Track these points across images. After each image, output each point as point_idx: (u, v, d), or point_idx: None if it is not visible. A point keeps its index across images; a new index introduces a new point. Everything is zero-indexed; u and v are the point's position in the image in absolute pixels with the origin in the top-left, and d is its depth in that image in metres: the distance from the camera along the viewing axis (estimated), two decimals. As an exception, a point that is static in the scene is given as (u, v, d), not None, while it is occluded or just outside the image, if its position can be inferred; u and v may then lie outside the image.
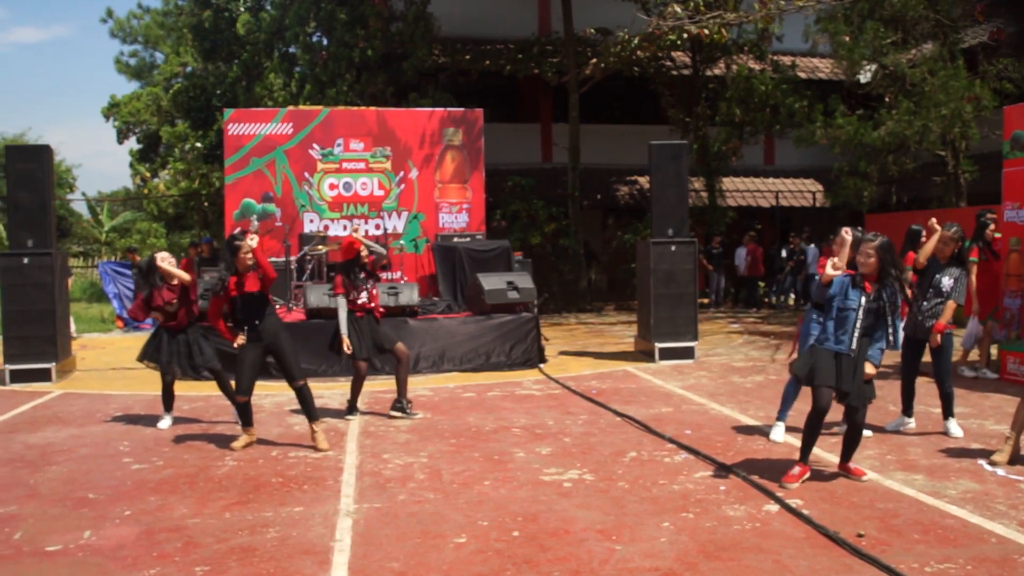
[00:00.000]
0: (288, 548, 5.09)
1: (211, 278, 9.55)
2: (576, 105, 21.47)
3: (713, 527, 5.29)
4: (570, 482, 6.33)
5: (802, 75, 23.39)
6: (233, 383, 7.80)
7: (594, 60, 20.11)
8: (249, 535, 5.32)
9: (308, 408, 7.59)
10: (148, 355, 8.47)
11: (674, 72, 23.62)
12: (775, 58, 23.21)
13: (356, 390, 8.91)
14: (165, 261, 8.21)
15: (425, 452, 7.36)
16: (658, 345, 12.30)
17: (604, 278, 24.41)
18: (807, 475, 6.16)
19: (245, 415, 7.66)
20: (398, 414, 8.82)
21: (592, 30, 22.75)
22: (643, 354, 12.74)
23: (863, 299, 6.00)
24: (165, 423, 8.57)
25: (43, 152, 11.90)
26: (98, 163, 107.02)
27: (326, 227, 15.85)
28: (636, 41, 18.66)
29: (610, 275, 24.29)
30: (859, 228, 7.00)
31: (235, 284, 7.41)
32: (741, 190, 25.42)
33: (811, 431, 6.17)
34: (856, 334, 6.01)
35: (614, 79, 22.19)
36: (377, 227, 16.01)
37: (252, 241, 7.34)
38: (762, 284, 22.26)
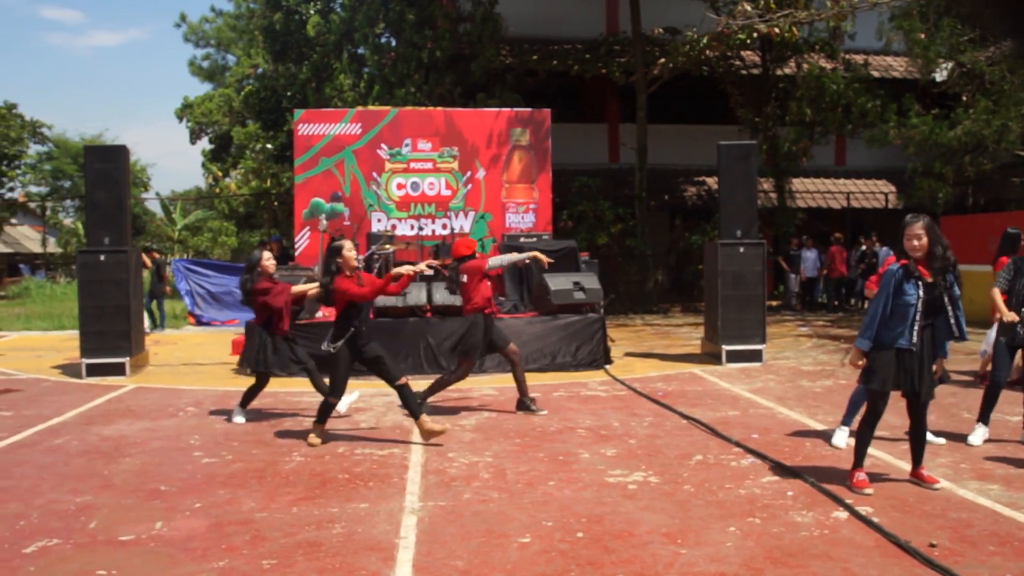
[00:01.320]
0: (353, 544, 5.14)
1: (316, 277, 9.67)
2: (644, 105, 21.35)
3: (780, 533, 5.22)
4: (635, 484, 6.30)
5: (875, 74, 22.99)
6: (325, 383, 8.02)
7: (662, 60, 20.01)
8: (315, 530, 5.38)
9: (411, 405, 7.57)
10: (260, 362, 8.60)
11: (743, 71, 23.39)
12: (847, 56, 22.84)
13: (444, 386, 8.99)
14: (351, 251, 7.82)
15: (490, 451, 7.37)
16: (725, 347, 12.17)
17: (670, 279, 24.23)
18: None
19: (327, 414, 7.72)
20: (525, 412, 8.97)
21: (660, 29, 22.61)
22: (710, 356, 12.62)
23: (920, 290, 5.74)
24: (241, 419, 8.67)
25: (120, 152, 12.16)
26: (171, 163, 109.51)
27: (393, 227, 15.97)
28: (705, 40, 18.52)
29: (676, 276, 24.12)
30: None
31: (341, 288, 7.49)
32: (811, 191, 25.06)
33: (864, 433, 6.04)
34: (916, 327, 5.77)
35: (682, 78, 22.03)
36: (444, 227, 16.10)
37: (350, 250, 7.49)
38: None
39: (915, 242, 5.76)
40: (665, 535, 5.20)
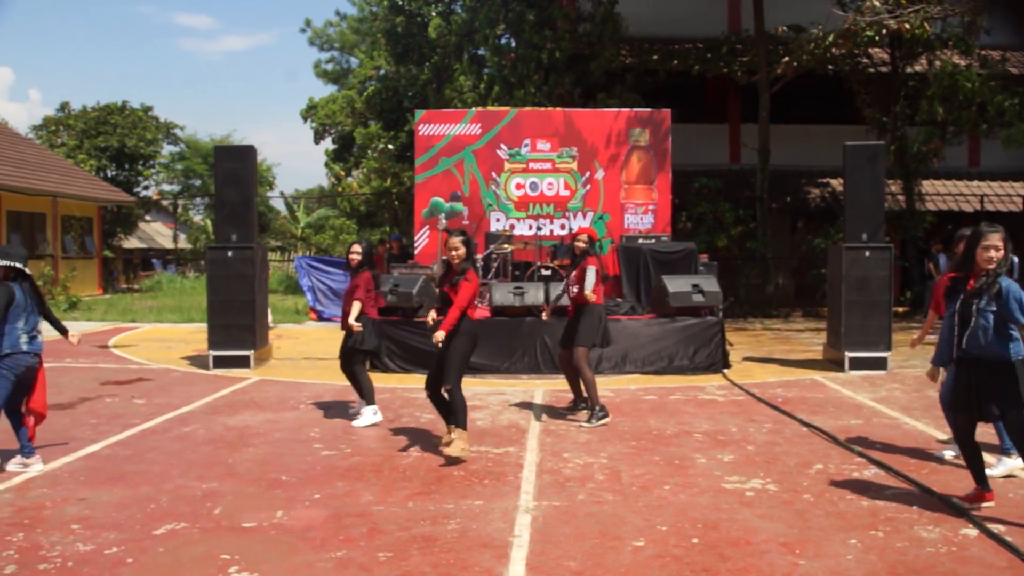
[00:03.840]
0: (468, 540, 5.18)
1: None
2: (766, 105, 20.95)
3: (904, 548, 5.04)
4: (753, 491, 6.18)
5: (1013, 71, 21.97)
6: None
7: (786, 58, 19.57)
8: (431, 525, 5.45)
9: (455, 412, 7.31)
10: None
11: (871, 69, 22.69)
12: (983, 52, 21.90)
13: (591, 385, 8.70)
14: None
15: (605, 453, 7.35)
16: (848, 354, 11.85)
17: (792, 283, 23.70)
18: (990, 502, 5.77)
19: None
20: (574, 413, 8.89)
21: (784, 27, 22.10)
22: (832, 363, 12.30)
23: (982, 301, 5.48)
24: (377, 417, 8.62)
25: (248, 152, 12.53)
26: (296, 162, 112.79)
27: (512, 226, 16.05)
28: (831, 38, 18.03)
29: (798, 280, 23.57)
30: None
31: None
32: (942, 193, 24.15)
33: (967, 455, 5.77)
34: (984, 339, 5.48)
35: (806, 77, 21.49)
36: (562, 227, 16.10)
37: (455, 240, 7.42)
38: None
39: (992, 253, 5.52)
40: (783, 545, 5.09)
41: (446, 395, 7.34)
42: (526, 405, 9.57)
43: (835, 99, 23.81)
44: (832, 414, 9.00)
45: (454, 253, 7.35)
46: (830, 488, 6.26)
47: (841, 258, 11.91)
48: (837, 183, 23.09)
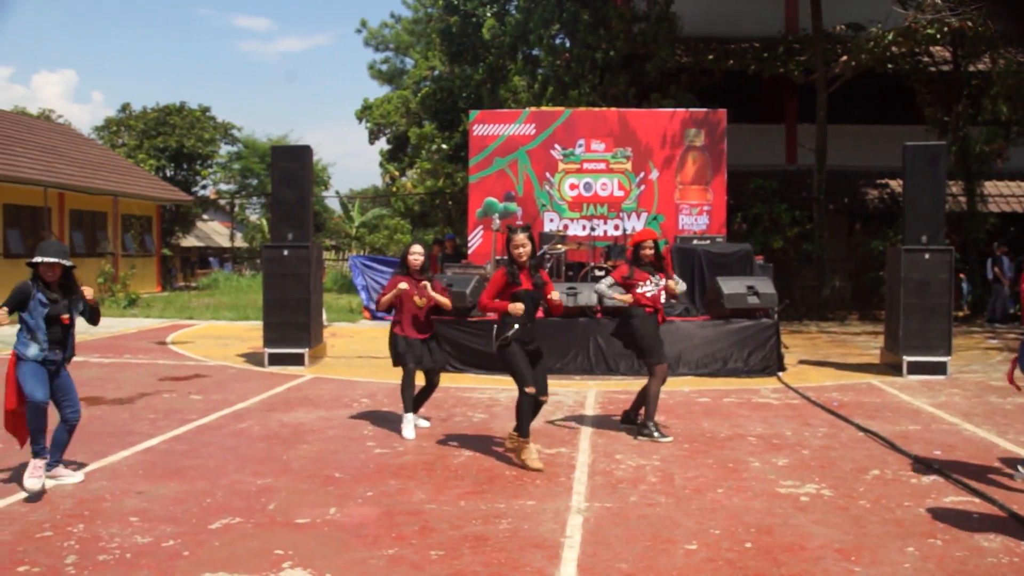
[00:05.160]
0: (519, 540, 5.18)
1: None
2: (824, 105, 20.67)
3: (964, 557, 4.94)
4: (807, 496, 6.10)
5: (1082, 69, 21.46)
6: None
7: (844, 57, 19.32)
8: (482, 524, 5.46)
9: (529, 420, 7.01)
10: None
11: (932, 68, 22.28)
12: (1049, 51, 21.42)
13: (655, 399, 8.12)
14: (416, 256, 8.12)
15: (658, 455, 7.30)
16: (906, 359, 11.65)
17: (849, 286, 23.37)
18: None
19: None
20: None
21: (843, 26, 21.81)
22: (889, 367, 12.09)
23: None
24: (423, 422, 8.47)
25: (304, 152, 12.63)
26: (350, 162, 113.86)
27: (565, 227, 16.04)
28: (891, 36, 17.76)
29: (855, 283, 23.24)
30: None
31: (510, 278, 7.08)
32: (1005, 195, 23.65)
33: None
34: None
35: (865, 76, 21.20)
36: (616, 227, 16.04)
37: (521, 238, 7.09)
38: None
39: None
40: (838, 551, 5.01)
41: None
42: (578, 406, 9.55)
43: (894, 98, 23.45)
44: (889, 419, 8.85)
45: (521, 250, 7.08)
46: (887, 494, 6.15)
47: (900, 260, 11.72)
48: (896, 184, 22.73)
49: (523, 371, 6.94)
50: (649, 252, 8.19)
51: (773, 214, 20.73)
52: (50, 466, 6.28)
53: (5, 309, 5.87)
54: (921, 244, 11.66)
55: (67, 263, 6.11)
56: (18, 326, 6.10)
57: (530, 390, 6.90)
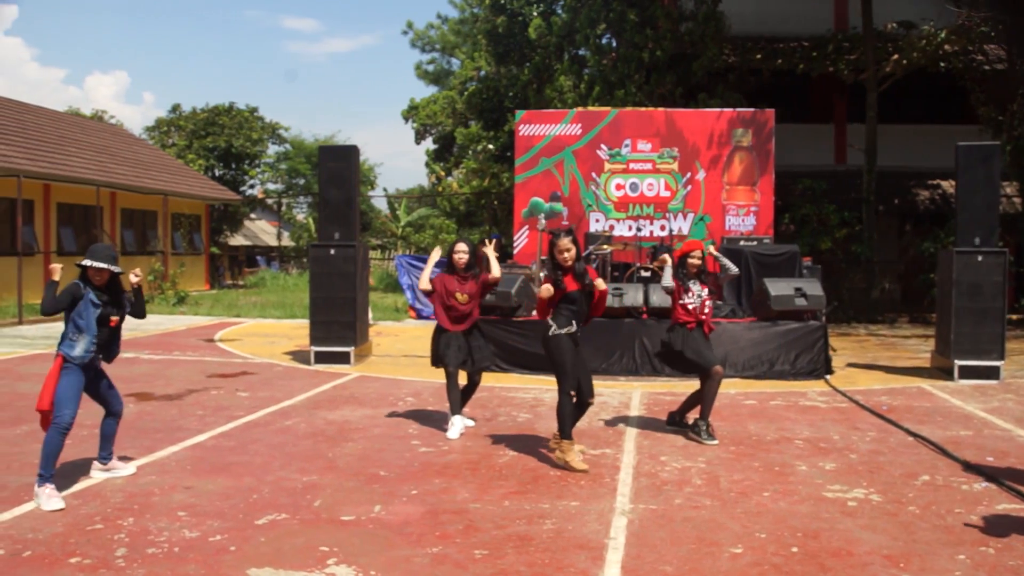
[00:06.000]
0: (563, 541, 5.16)
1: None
2: (874, 104, 20.40)
3: (1017, 567, 4.83)
4: (855, 501, 6.02)
5: None
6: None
7: (896, 56, 19.07)
8: (526, 524, 5.45)
9: (573, 423, 7.00)
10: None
11: (986, 67, 21.90)
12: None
13: (711, 400, 8.05)
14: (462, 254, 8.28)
15: (703, 457, 7.24)
16: (958, 362, 11.45)
17: (899, 288, 23.05)
18: None
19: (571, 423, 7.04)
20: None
21: (894, 24, 21.52)
22: (940, 371, 11.90)
23: None
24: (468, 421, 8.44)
25: (351, 152, 12.71)
26: (397, 162, 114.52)
27: (611, 227, 15.99)
28: (943, 34, 17.49)
29: (905, 285, 22.91)
30: None
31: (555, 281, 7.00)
32: (1060, 196, 23.19)
33: None
34: None
35: (916, 75, 20.90)
36: (663, 228, 15.96)
37: (566, 242, 6.95)
38: None
39: None
40: (886, 557, 4.94)
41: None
42: (623, 407, 9.51)
43: (947, 97, 23.08)
44: (940, 424, 8.71)
45: (566, 255, 6.95)
46: (937, 500, 6.05)
47: (952, 263, 11.53)
48: (948, 185, 22.40)
49: (566, 366, 6.89)
50: (696, 262, 8.16)
51: (821, 215, 20.50)
52: (104, 459, 6.40)
53: (59, 265, 6.02)
54: (974, 246, 11.46)
55: (116, 269, 6.06)
56: (64, 325, 6.03)
57: (571, 393, 6.89)
